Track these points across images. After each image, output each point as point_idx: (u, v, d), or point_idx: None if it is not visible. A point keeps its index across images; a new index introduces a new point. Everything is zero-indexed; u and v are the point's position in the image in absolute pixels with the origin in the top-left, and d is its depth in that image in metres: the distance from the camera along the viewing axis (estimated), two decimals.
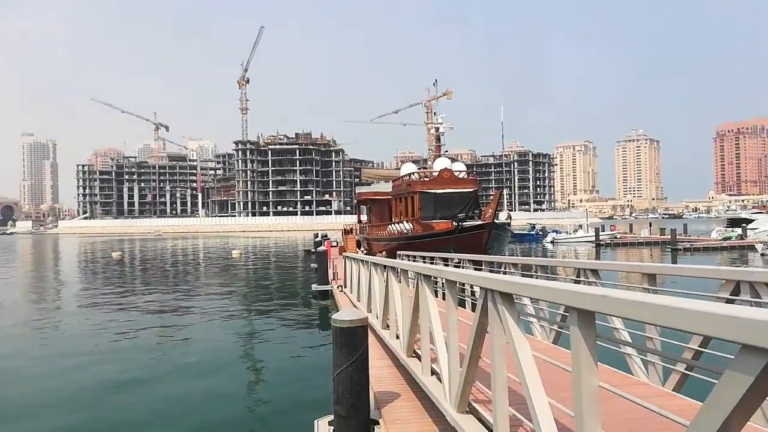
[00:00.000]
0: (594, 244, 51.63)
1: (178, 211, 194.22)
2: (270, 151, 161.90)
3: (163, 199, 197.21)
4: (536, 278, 8.65)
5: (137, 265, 44.65)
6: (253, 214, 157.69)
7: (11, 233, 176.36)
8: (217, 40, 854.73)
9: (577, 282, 7.30)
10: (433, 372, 6.28)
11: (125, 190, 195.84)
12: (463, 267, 12.19)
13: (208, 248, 67.70)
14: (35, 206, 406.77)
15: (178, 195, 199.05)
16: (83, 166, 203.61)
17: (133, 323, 18.16)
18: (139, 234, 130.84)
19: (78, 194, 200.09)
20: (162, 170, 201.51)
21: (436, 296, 6.98)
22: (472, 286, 8.74)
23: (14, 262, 53.75)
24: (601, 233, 54.55)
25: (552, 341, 8.27)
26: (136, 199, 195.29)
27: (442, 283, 6.47)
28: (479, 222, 22.41)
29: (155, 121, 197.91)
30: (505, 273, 10.03)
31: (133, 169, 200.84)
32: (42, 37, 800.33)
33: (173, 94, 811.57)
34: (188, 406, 9.82)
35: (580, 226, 64.37)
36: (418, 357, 7.03)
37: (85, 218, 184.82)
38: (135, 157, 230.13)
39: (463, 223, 22.13)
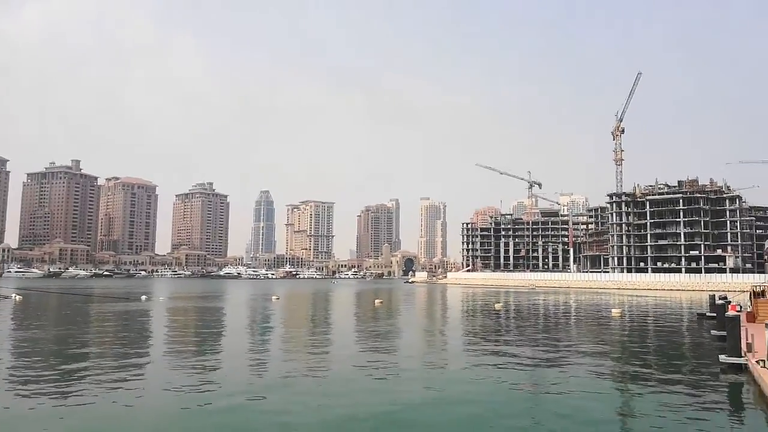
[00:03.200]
0: None
1: (550, 265, 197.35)
2: (648, 203, 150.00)
3: (535, 254, 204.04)
4: None
5: (516, 316, 46.51)
6: (629, 270, 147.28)
7: (411, 281, 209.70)
8: (587, 92, 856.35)
9: None
10: None
11: (501, 245, 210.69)
12: None
13: (581, 303, 65.97)
14: (429, 259, 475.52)
15: (549, 250, 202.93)
16: (467, 224, 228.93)
17: (509, 369, 18.61)
18: (513, 286, 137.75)
19: (462, 249, 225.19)
20: (535, 226, 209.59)
21: None
22: None
23: (413, 306, 63.23)
24: None
25: None
26: (511, 253, 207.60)
27: None
28: None
29: (529, 180, 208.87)
30: None
31: (509, 226, 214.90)
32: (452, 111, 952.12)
33: (544, 151, 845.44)
34: None
35: None
36: None
37: (468, 270, 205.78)
38: (510, 215, 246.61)
39: None
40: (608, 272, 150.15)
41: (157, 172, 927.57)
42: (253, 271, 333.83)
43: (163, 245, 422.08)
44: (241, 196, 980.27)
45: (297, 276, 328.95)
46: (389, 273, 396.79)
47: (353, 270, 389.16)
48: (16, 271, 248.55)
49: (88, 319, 40.87)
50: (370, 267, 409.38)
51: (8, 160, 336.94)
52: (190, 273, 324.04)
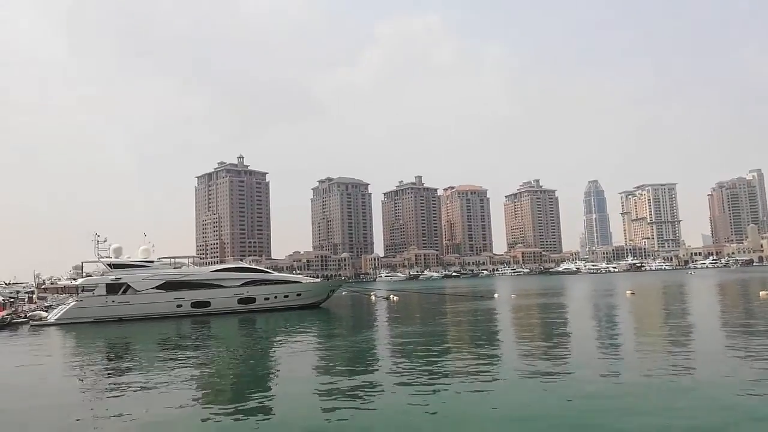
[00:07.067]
0: None
1: None
2: None
3: None
4: None
5: None
6: None
7: None
8: None
9: None
10: None
11: None
12: None
13: None
14: None
15: None
16: None
17: None
18: None
19: None
20: None
21: None
22: None
23: None
24: None
25: None
26: None
27: None
28: None
29: None
30: None
31: None
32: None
33: None
34: None
35: None
36: None
37: None
38: None
39: None
40: None
41: (484, 176, 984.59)
42: (593, 266, 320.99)
43: (498, 244, 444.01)
44: (567, 188, 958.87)
45: (642, 268, 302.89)
46: (760, 259, 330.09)
47: (711, 258, 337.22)
48: (385, 276, 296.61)
49: (456, 315, 45.18)
50: (732, 253, 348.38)
51: (369, 183, 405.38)
52: (528, 270, 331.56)
